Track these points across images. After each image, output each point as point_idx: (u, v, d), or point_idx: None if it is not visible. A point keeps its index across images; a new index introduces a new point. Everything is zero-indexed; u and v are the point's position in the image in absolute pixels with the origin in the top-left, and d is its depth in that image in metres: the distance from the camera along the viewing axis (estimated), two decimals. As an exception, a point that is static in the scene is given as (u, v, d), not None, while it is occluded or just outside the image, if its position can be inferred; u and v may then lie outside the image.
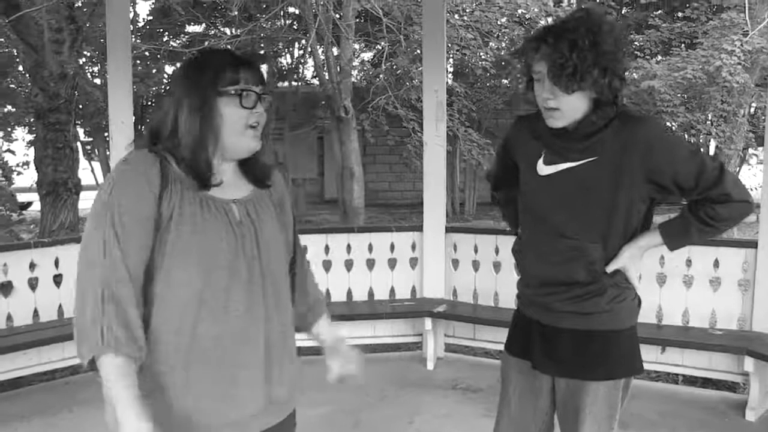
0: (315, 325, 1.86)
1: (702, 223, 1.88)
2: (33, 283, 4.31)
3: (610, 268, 1.89)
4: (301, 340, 1.80)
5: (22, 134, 14.71)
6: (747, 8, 10.34)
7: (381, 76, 12.34)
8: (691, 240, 1.95)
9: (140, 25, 13.79)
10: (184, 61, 1.66)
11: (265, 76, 1.60)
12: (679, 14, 13.07)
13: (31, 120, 11.27)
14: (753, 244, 3.94)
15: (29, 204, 15.45)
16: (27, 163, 14.02)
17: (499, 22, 12.38)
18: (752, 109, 11.36)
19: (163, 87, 13.33)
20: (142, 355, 1.48)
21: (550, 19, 12.36)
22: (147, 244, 1.48)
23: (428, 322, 4.53)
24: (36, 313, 4.30)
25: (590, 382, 1.93)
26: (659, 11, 14.19)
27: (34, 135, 10.51)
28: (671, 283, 4.13)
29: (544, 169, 1.94)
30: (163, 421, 1.50)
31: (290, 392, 1.70)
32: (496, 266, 4.68)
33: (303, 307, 1.82)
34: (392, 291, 4.88)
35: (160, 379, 1.53)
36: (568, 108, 1.83)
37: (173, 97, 1.55)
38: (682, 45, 11.83)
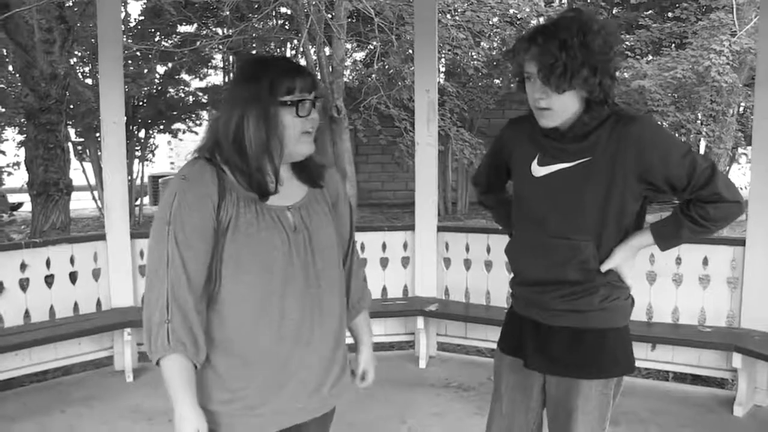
0: (351, 320, 1.93)
1: (693, 223, 1.89)
2: (24, 284, 4.30)
3: (603, 268, 1.91)
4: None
5: (12, 135, 14.62)
6: (735, 9, 10.41)
7: (373, 75, 12.34)
8: (683, 240, 1.96)
9: (131, 25, 13.74)
10: (238, 71, 1.71)
11: (316, 78, 1.66)
12: (669, 14, 13.14)
13: (22, 120, 11.22)
14: (741, 242, 3.98)
15: (20, 205, 15.36)
16: (18, 164, 13.94)
17: (490, 22, 12.40)
18: (741, 109, 11.42)
19: (154, 87, 13.28)
20: (203, 357, 1.58)
21: (541, 19, 12.40)
22: (207, 255, 1.58)
23: (420, 321, 4.55)
24: (27, 313, 4.29)
25: (583, 380, 1.94)
26: (649, 11, 14.25)
27: (25, 135, 10.46)
28: (661, 281, 4.16)
29: (538, 170, 1.95)
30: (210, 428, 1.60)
31: (339, 389, 1.78)
32: (488, 265, 4.70)
33: (354, 298, 1.91)
34: (384, 290, 4.90)
35: (220, 380, 1.62)
36: (560, 107, 1.85)
37: (234, 107, 1.59)
38: (672, 45, 11.90)
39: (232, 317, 1.61)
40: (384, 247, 4.89)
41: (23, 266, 4.27)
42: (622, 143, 1.84)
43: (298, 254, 1.63)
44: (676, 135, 13.92)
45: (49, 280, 4.38)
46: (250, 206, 1.60)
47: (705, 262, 4.07)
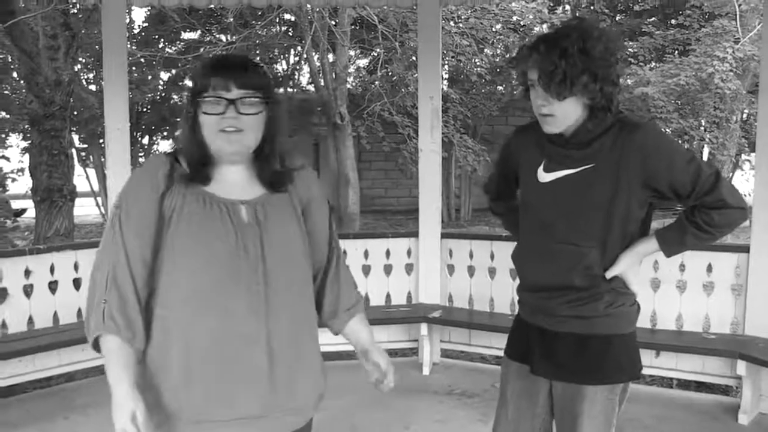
0: (345, 327, 1.85)
1: (698, 229, 1.89)
2: (28, 290, 4.30)
3: (608, 275, 1.91)
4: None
5: (16, 141, 14.68)
6: (738, 16, 10.42)
7: (376, 82, 12.38)
8: (687, 246, 1.96)
9: (136, 31, 13.80)
10: None
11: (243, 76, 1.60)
12: (673, 21, 13.16)
13: (26, 127, 11.26)
14: (745, 249, 3.97)
15: (23, 211, 15.40)
16: (22, 170, 13.98)
17: (494, 29, 12.43)
18: (744, 116, 11.42)
19: (159, 94, 13.33)
20: (139, 343, 1.57)
21: (545, 26, 12.43)
22: (148, 241, 1.59)
23: (424, 328, 4.54)
24: (31, 320, 4.29)
25: (588, 386, 1.94)
26: (653, 18, 14.27)
27: (29, 142, 10.49)
28: (665, 288, 4.15)
29: (544, 176, 1.96)
30: (157, 413, 1.57)
31: (302, 400, 1.69)
32: (492, 272, 4.69)
33: (330, 308, 1.83)
34: (388, 297, 4.90)
35: (158, 372, 1.60)
36: (562, 114, 1.86)
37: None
38: (676, 52, 11.92)
39: (171, 307, 1.59)
40: (388, 253, 4.89)
41: (27, 272, 4.27)
42: (626, 150, 1.84)
43: (246, 249, 1.59)
44: (680, 142, 13.91)
45: (52, 286, 4.39)
46: (198, 197, 1.61)
47: (709, 269, 4.06)
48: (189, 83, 1.68)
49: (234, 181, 1.65)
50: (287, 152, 1.72)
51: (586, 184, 1.89)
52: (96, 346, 1.58)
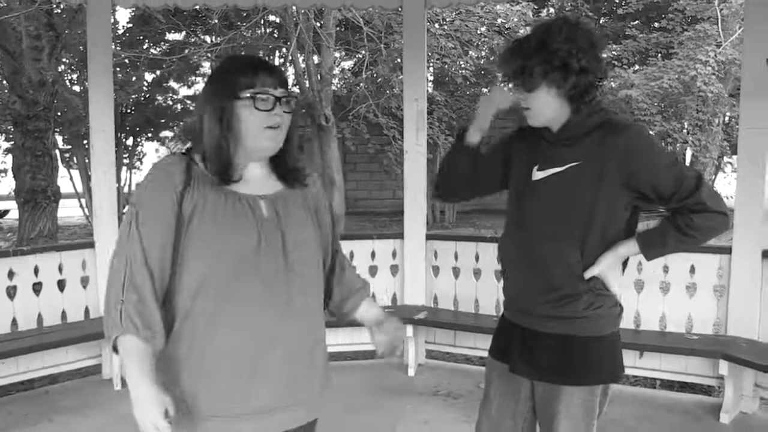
0: (356, 311, 1.93)
1: (680, 233, 1.91)
2: (11, 292, 4.27)
3: (587, 275, 1.93)
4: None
5: (-1, 142, 14.54)
6: (720, 20, 10.54)
7: (362, 84, 12.38)
8: (668, 249, 1.97)
9: (120, 32, 13.71)
10: (212, 68, 1.73)
11: (285, 76, 1.67)
12: (656, 25, 13.28)
13: (9, 128, 11.15)
14: (727, 251, 4.02)
15: (6, 212, 15.25)
16: (5, 171, 13.86)
17: (478, 32, 12.48)
18: (726, 118, 11.54)
19: (143, 95, 13.25)
20: (159, 342, 1.58)
21: (529, 29, 12.49)
22: (168, 240, 1.59)
23: (409, 329, 4.55)
24: (14, 321, 4.26)
25: (565, 387, 1.95)
26: (636, 22, 14.39)
27: (12, 143, 10.40)
28: (649, 289, 4.20)
29: (537, 174, 2.00)
30: (175, 407, 1.56)
31: (313, 397, 1.73)
32: (477, 273, 4.72)
33: (338, 297, 1.90)
34: (373, 298, 4.89)
35: (178, 368, 1.61)
36: (536, 106, 1.95)
37: (199, 105, 1.65)
38: (659, 55, 12.02)
39: (194, 303, 1.59)
40: (373, 255, 4.90)
41: (11, 274, 4.24)
42: (610, 150, 1.88)
43: (267, 244, 1.61)
44: (663, 145, 14.02)
45: (36, 287, 4.36)
46: (219, 194, 1.61)
47: (692, 270, 4.10)
48: (221, 80, 1.63)
49: (254, 177, 1.68)
50: (297, 151, 1.76)
51: (571, 181, 1.92)
52: (114, 347, 1.58)
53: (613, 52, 12.51)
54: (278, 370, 1.63)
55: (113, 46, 10.26)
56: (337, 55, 13.62)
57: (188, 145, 1.70)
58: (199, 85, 15.32)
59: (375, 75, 12.40)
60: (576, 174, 1.91)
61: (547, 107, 1.94)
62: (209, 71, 15.30)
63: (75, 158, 13.25)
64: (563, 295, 1.94)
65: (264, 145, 1.64)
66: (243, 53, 10.80)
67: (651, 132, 11.02)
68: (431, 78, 14.05)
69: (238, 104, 1.60)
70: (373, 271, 4.92)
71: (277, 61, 14.95)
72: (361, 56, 12.97)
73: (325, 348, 1.80)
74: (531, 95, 1.94)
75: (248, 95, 1.59)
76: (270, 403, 1.63)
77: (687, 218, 1.90)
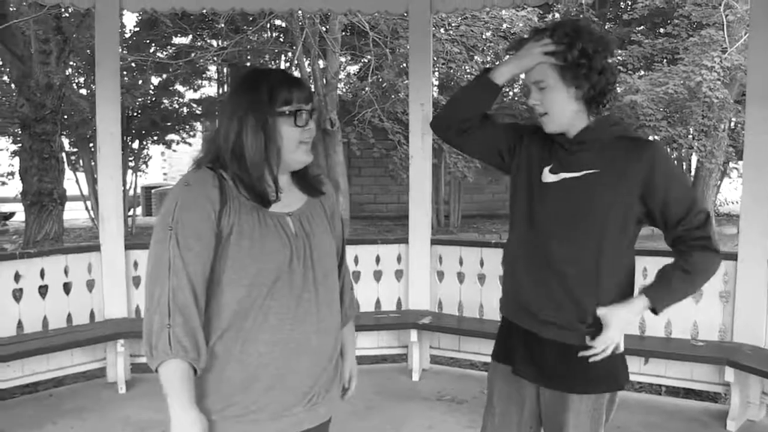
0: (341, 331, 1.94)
1: (682, 271, 1.91)
2: (17, 295, 4.29)
3: (596, 344, 1.90)
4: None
5: (6, 144, 14.59)
6: (725, 26, 10.52)
7: (367, 89, 12.39)
8: (675, 294, 1.94)
9: (127, 36, 13.76)
10: (237, 81, 1.73)
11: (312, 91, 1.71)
12: (661, 30, 13.27)
13: (17, 130, 11.20)
14: (733, 257, 4.01)
15: (12, 214, 15.30)
16: (12, 173, 13.89)
17: (484, 37, 12.48)
18: (732, 124, 11.52)
19: (149, 98, 13.29)
20: (203, 363, 1.59)
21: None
22: (208, 260, 1.60)
23: (413, 334, 4.56)
24: (20, 324, 4.28)
25: (573, 395, 1.94)
26: (641, 27, 14.37)
27: (20, 145, 10.44)
28: (653, 295, 4.18)
29: (549, 177, 1.98)
30: (212, 410, 1.61)
31: (331, 396, 1.79)
32: (481, 278, 4.72)
33: None
34: (378, 303, 4.91)
35: (215, 381, 1.63)
36: (554, 109, 1.93)
37: (233, 117, 1.63)
38: (664, 60, 12.01)
39: (230, 321, 1.61)
40: (378, 260, 4.90)
41: (17, 277, 4.26)
42: (633, 163, 1.88)
43: (298, 260, 1.65)
44: (668, 149, 14.00)
45: (42, 290, 4.37)
46: (252, 213, 1.63)
47: (697, 276, 4.09)
48: (259, 94, 1.61)
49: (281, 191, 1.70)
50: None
51: (588, 188, 1.92)
52: (156, 370, 1.58)
53: (619, 58, 12.50)
54: (308, 378, 1.68)
55: (120, 50, 10.32)
56: (342, 59, 13.63)
57: (206, 157, 1.68)
58: (206, 89, 15.37)
59: (380, 79, 12.41)
60: (594, 182, 1.91)
61: (565, 111, 1.93)
62: (215, 76, 15.37)
63: (81, 161, 13.29)
64: (572, 302, 1.93)
65: (302, 159, 1.69)
66: (269, 66, 10.79)
67: (656, 137, 11.02)
68: (437, 83, 14.06)
69: (280, 120, 1.63)
70: (377, 276, 4.92)
71: (282, 66, 15.00)
72: (366, 61, 12.99)
73: (339, 349, 1.84)
74: (549, 97, 1.92)
75: (287, 111, 1.63)
76: (294, 405, 1.68)
77: (688, 255, 1.90)
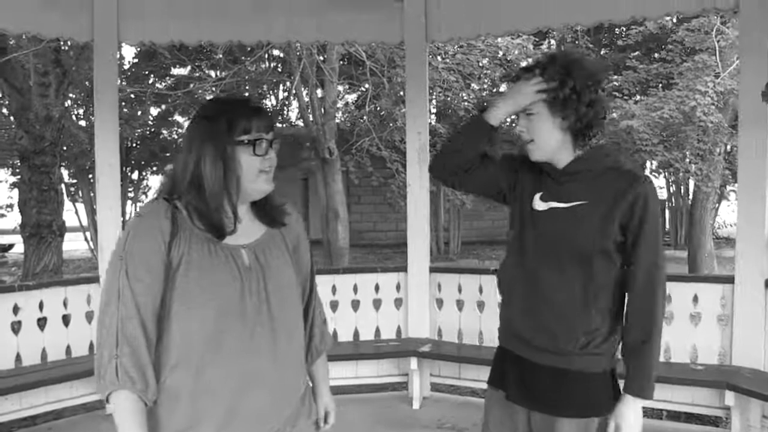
0: (311, 364, 1.92)
1: (641, 343, 1.91)
2: (15, 327, 4.28)
3: None
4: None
5: (5, 176, 14.65)
6: (718, 51, 10.63)
7: (365, 117, 12.47)
8: (651, 370, 1.93)
9: (126, 67, 13.90)
10: (197, 111, 1.72)
11: (272, 119, 1.69)
12: (656, 56, 13.39)
13: (16, 162, 11.26)
14: (730, 280, 4.02)
15: (11, 246, 15.30)
16: (11, 206, 13.94)
17: (480, 64, 12.60)
18: (728, 147, 11.58)
19: (148, 129, 13.38)
20: (151, 395, 1.56)
21: (530, 60, 12.62)
22: (158, 291, 1.57)
23: (413, 362, 4.54)
24: (18, 357, 4.26)
25: (562, 419, 1.94)
26: (636, 53, 14.52)
27: (19, 177, 10.49)
28: (652, 319, 4.18)
29: (539, 204, 2.01)
30: None
31: (297, 429, 1.74)
32: (480, 305, 4.72)
33: (304, 345, 1.87)
34: (377, 331, 4.90)
35: (167, 416, 1.59)
36: (540, 138, 1.97)
37: (191, 146, 1.61)
38: (659, 85, 12.09)
39: (180, 355, 1.58)
40: (377, 288, 4.91)
41: (16, 309, 4.25)
42: (619, 195, 1.90)
43: (250, 293, 1.62)
44: (665, 174, 14.06)
45: (41, 323, 4.36)
46: (204, 244, 1.60)
47: (695, 299, 4.10)
48: (218, 123, 1.61)
49: (240, 224, 1.67)
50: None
51: (576, 219, 1.94)
52: (107, 400, 1.56)
53: (614, 83, 12.62)
54: (264, 412, 1.64)
55: (119, 82, 10.42)
56: (340, 88, 13.75)
57: (164, 188, 1.66)
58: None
59: (378, 108, 12.50)
60: (581, 213, 1.93)
61: (551, 139, 1.96)
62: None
63: (80, 192, 13.35)
64: (563, 328, 1.94)
65: (263, 188, 1.66)
66: (233, 94, 10.86)
67: (653, 162, 11.03)
68: (434, 111, 14.16)
69: (239, 149, 1.61)
70: (377, 304, 4.92)
71: (281, 95, 15.13)
72: (364, 90, 13.09)
73: (308, 384, 1.82)
74: (535, 125, 1.96)
75: (246, 140, 1.61)
76: None
77: (633, 318, 1.93)
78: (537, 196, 2.02)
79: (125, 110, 12.41)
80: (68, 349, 4.44)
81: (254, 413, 1.62)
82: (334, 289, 4.87)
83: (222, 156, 1.59)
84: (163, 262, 1.57)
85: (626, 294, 1.95)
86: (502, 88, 14.57)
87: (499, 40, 11.84)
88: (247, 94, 14.23)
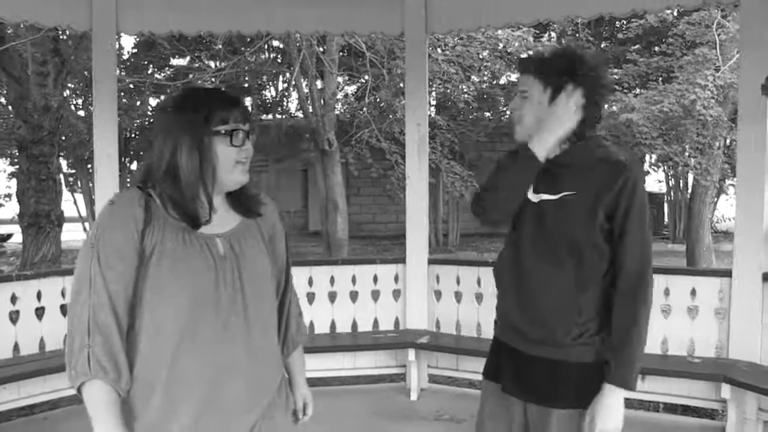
0: (288, 356, 1.90)
1: (624, 330, 1.91)
2: (13, 317, 4.28)
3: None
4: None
5: (3, 166, 14.64)
6: (718, 45, 10.61)
7: (364, 109, 12.46)
8: (632, 360, 1.92)
9: (125, 57, 13.86)
10: (170, 99, 1.70)
11: (249, 110, 1.68)
12: (656, 49, 13.36)
13: (14, 152, 11.24)
14: (728, 273, 4.03)
15: (9, 236, 15.30)
16: (9, 195, 13.92)
17: (480, 57, 12.58)
18: (728, 141, 11.57)
19: (147, 119, 13.36)
20: (124, 384, 1.54)
21: (530, 53, 12.59)
22: (130, 279, 1.55)
23: (411, 353, 4.55)
24: (16, 346, 4.26)
25: (559, 410, 1.95)
26: (636, 46, 14.49)
27: (17, 167, 10.47)
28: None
29: (532, 196, 2.00)
30: None
31: (276, 423, 1.73)
32: (478, 297, 4.72)
33: (280, 336, 1.86)
34: (375, 322, 4.90)
35: (139, 409, 1.57)
36: (525, 120, 1.99)
37: (167, 136, 1.59)
38: (659, 79, 12.07)
39: (153, 345, 1.56)
40: (375, 279, 4.91)
41: (13, 298, 4.25)
42: (606, 185, 1.89)
43: (225, 282, 1.61)
44: (665, 167, 14.06)
45: (39, 312, 4.36)
46: (177, 233, 1.59)
47: (693, 293, 4.11)
48: (196, 113, 1.58)
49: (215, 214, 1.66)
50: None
51: (563, 210, 1.94)
52: (79, 391, 1.54)
53: (615, 76, 12.60)
54: (240, 402, 1.62)
55: (118, 72, 10.39)
56: (340, 80, 13.73)
57: (137, 177, 1.65)
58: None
59: (377, 100, 12.48)
60: (569, 204, 1.93)
61: (536, 125, 1.97)
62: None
63: (79, 182, 13.33)
64: (557, 319, 1.95)
65: (239, 179, 1.65)
66: (207, 85, 10.82)
67: (653, 155, 11.01)
68: (433, 103, 14.15)
69: (216, 139, 1.60)
70: (375, 295, 4.92)
71: (280, 86, 15.10)
72: (363, 81, 13.07)
73: (284, 375, 1.81)
74: (527, 107, 1.98)
75: (224, 131, 1.60)
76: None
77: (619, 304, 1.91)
78: (531, 188, 2.01)
79: (124, 100, 12.38)
80: (66, 339, 4.43)
81: (230, 403, 1.61)
82: (332, 280, 4.87)
83: (198, 146, 1.58)
84: (136, 251, 1.55)
85: (615, 284, 1.95)
86: (502, 80, 14.58)
87: (500, 32, 11.81)
88: (246, 84, 14.22)
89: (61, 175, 11.00)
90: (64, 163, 12.76)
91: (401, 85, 11.00)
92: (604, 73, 1.98)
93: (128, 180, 14.34)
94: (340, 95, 14.30)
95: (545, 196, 1.98)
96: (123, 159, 12.71)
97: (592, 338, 1.95)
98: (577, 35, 14.06)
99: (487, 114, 15.26)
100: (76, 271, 1.58)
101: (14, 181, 11.22)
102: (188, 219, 1.59)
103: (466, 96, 13.12)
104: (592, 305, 1.95)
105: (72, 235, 14.52)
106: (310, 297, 4.83)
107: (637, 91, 12.65)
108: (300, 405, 1.92)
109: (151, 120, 13.47)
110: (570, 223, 1.93)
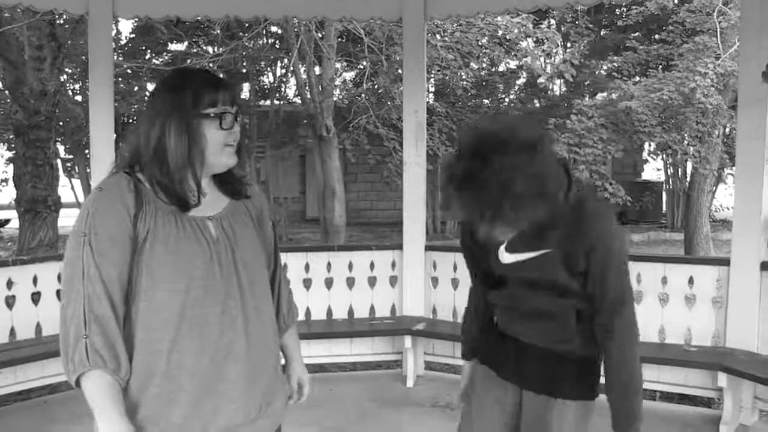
0: (280, 338, 1.88)
1: (621, 388, 1.89)
2: (10, 301, 4.27)
3: None
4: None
5: (0, 151, 14.59)
6: (719, 33, 10.57)
7: (362, 95, 12.41)
8: (633, 410, 1.91)
9: (122, 42, 13.77)
10: (160, 82, 1.69)
11: (242, 94, 1.66)
12: (656, 37, 13.31)
13: (11, 137, 11.20)
14: (726, 262, 4.03)
15: (6, 221, 15.28)
16: (6, 180, 13.89)
17: (479, 43, 12.51)
18: (727, 130, 11.54)
19: (144, 105, 13.32)
20: (124, 372, 1.52)
21: (529, 40, 12.55)
22: (125, 266, 1.53)
23: (408, 340, 4.56)
24: (12, 331, 4.26)
25: (558, 399, 1.94)
26: (636, 33, 14.44)
27: (14, 152, 10.44)
28: (647, 300, 4.19)
29: (506, 257, 1.93)
30: None
31: (275, 407, 1.73)
32: (476, 284, 4.71)
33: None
34: (372, 309, 4.90)
35: (139, 396, 1.56)
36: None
37: (155, 119, 1.57)
38: (659, 67, 12.03)
39: (151, 332, 1.54)
40: (372, 266, 4.90)
41: (10, 283, 4.25)
42: (578, 238, 1.81)
43: (220, 265, 1.59)
44: (663, 156, 14.03)
45: (35, 297, 4.36)
46: (170, 217, 1.57)
47: (690, 281, 4.10)
48: (184, 95, 1.56)
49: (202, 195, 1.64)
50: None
51: (541, 267, 1.87)
52: (78, 384, 1.52)
53: (614, 64, 12.54)
54: (239, 386, 1.61)
55: (115, 57, 10.32)
56: (338, 66, 13.66)
57: (123, 161, 1.62)
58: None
59: (376, 86, 12.43)
60: (547, 260, 1.86)
61: None
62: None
63: (76, 167, 13.30)
64: (547, 345, 1.96)
65: (227, 161, 1.63)
66: (196, 68, 10.74)
67: (651, 143, 10.97)
68: (432, 89, 14.09)
69: (204, 122, 1.58)
70: (372, 282, 4.92)
71: (278, 72, 15.03)
72: (362, 67, 13.00)
73: (279, 357, 1.80)
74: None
75: (212, 114, 1.58)
76: (234, 419, 1.61)
77: (609, 365, 1.88)
78: (502, 248, 1.93)
79: (121, 86, 12.32)
80: (63, 324, 4.43)
81: (229, 389, 1.59)
82: (329, 267, 4.87)
83: (187, 129, 1.56)
84: (129, 237, 1.53)
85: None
86: (501, 67, 14.52)
87: (499, 18, 11.74)
88: (244, 70, 14.14)
89: (59, 161, 10.98)
90: (61, 148, 12.72)
91: (399, 71, 10.94)
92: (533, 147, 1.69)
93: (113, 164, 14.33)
94: (338, 81, 14.23)
95: (524, 256, 1.89)
96: (120, 144, 12.65)
97: (590, 339, 1.94)
98: (576, 22, 13.99)
99: (486, 101, 15.20)
100: (65, 262, 1.54)
101: (11, 166, 11.18)
102: (178, 202, 1.57)
103: (464, 83, 13.06)
104: (582, 335, 1.94)
105: (69, 220, 14.48)
106: (307, 283, 4.82)
107: (637, 78, 12.61)
108: (295, 386, 1.91)
109: (145, 108, 13.44)
110: (549, 277, 1.87)
